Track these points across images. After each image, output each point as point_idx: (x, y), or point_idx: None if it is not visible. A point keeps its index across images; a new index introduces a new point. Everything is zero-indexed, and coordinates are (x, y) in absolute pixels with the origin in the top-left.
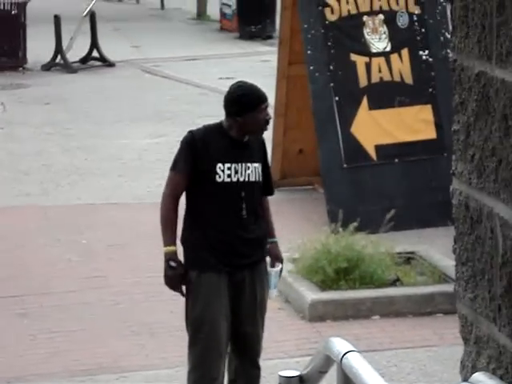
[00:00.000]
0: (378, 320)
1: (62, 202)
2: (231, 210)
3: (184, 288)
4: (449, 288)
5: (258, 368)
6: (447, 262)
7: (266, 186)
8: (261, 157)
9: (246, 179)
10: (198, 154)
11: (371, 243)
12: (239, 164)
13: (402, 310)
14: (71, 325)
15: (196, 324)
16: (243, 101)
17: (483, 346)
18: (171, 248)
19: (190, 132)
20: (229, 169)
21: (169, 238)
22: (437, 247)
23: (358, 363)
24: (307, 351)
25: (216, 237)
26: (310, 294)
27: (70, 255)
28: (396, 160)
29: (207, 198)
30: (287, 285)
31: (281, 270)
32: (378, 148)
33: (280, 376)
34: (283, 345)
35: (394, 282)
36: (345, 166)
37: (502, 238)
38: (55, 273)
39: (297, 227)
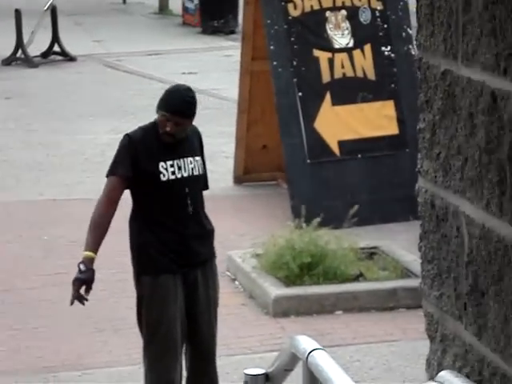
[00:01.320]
0: (341, 315)
1: (23, 198)
2: (177, 208)
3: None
4: (411, 283)
5: (214, 365)
6: (409, 257)
7: (203, 180)
8: (199, 150)
9: (190, 174)
10: (138, 156)
11: (335, 238)
12: (181, 160)
13: (365, 305)
14: (33, 322)
15: (152, 326)
16: (161, 98)
17: (449, 344)
18: (88, 253)
19: (127, 135)
20: (172, 166)
21: (90, 242)
22: (399, 242)
23: (323, 361)
24: (271, 347)
25: (167, 236)
26: (274, 290)
27: (32, 251)
28: (359, 155)
29: (153, 198)
30: (251, 280)
31: None
32: (341, 143)
33: (246, 374)
34: (247, 340)
35: (357, 278)
36: (308, 161)
37: (467, 237)
38: (17, 269)
39: (260, 223)
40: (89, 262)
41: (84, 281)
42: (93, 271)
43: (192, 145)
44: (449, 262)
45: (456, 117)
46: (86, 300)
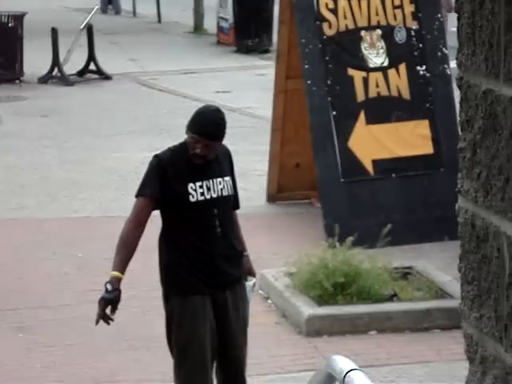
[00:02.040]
0: (374, 335)
1: (58, 215)
2: (205, 228)
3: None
4: (446, 303)
5: (244, 382)
6: (445, 278)
7: (234, 200)
8: (229, 170)
9: (220, 194)
10: (167, 178)
11: (368, 258)
12: (210, 180)
13: (399, 325)
14: (67, 338)
15: (182, 346)
16: (190, 119)
17: (489, 365)
18: (115, 273)
19: (156, 156)
20: (201, 187)
21: (119, 263)
22: (433, 262)
23: (360, 382)
24: (304, 366)
25: (195, 256)
26: (307, 309)
27: (67, 268)
28: (393, 175)
29: (181, 219)
30: (284, 299)
31: (254, 284)
32: (376, 162)
33: None
34: (280, 360)
35: (391, 298)
36: (342, 180)
37: (508, 257)
38: (51, 286)
39: (293, 242)
40: (116, 282)
41: (110, 301)
42: (119, 291)
43: (221, 165)
44: (489, 283)
45: (497, 136)
46: (112, 320)
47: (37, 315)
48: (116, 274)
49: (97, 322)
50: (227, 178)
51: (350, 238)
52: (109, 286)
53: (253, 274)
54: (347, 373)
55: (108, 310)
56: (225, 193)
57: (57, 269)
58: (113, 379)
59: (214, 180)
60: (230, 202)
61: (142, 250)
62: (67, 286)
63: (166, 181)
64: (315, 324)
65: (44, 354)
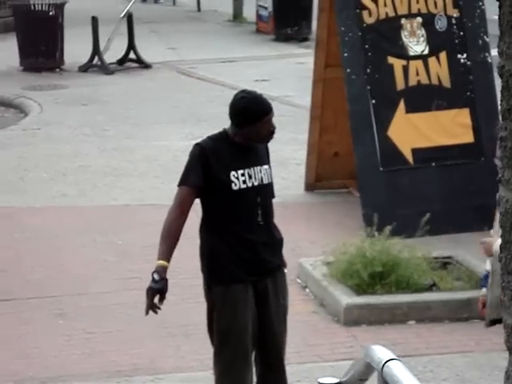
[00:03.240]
0: (413, 325)
1: (98, 203)
2: (248, 216)
3: (210, 300)
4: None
5: (284, 372)
6: (484, 268)
7: None
8: (267, 158)
9: (261, 182)
10: (209, 165)
11: (407, 247)
12: (251, 168)
13: (438, 315)
14: (107, 325)
15: (223, 335)
16: (245, 114)
17: None
18: (162, 262)
19: (197, 144)
20: (243, 175)
21: (164, 251)
22: (473, 252)
23: (399, 372)
24: (342, 355)
25: (237, 245)
26: (345, 298)
27: (106, 256)
28: (433, 164)
29: (224, 207)
30: (322, 288)
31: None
32: (415, 151)
33: (319, 383)
34: (317, 349)
35: (431, 287)
36: (381, 169)
37: None
38: (91, 273)
39: (331, 230)
40: (162, 271)
41: (158, 290)
42: (166, 281)
43: (259, 153)
44: None
45: None
46: (159, 309)
47: (76, 302)
48: (162, 263)
49: (146, 312)
50: (266, 167)
51: (389, 228)
52: (156, 276)
53: (284, 265)
54: (386, 362)
55: (156, 300)
56: (265, 181)
57: (96, 256)
58: (152, 366)
59: (255, 168)
60: (271, 189)
61: (182, 238)
62: (106, 273)
63: (208, 169)
64: (353, 313)
65: (83, 340)
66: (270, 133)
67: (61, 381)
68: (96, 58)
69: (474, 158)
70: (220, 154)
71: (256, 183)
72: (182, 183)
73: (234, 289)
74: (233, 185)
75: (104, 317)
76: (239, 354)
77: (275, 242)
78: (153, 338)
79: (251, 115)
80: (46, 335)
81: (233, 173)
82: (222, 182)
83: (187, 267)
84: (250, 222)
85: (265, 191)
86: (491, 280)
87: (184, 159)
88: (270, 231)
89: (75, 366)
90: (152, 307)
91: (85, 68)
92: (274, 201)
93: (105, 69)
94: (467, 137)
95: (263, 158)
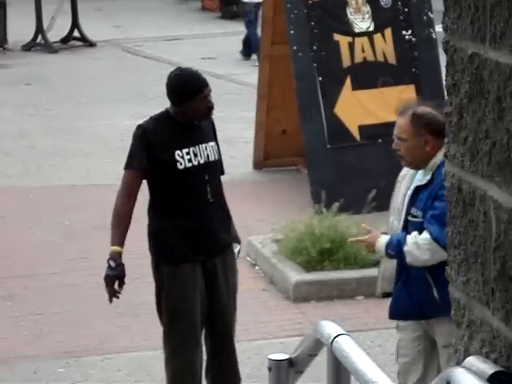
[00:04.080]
0: (362, 300)
1: (44, 183)
2: (197, 195)
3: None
4: None
5: (233, 347)
6: None
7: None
8: (213, 135)
9: (207, 159)
10: (152, 147)
11: (355, 224)
12: (196, 146)
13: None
14: (55, 307)
15: (172, 315)
16: (180, 91)
17: (476, 329)
18: (116, 248)
19: (140, 125)
20: (187, 153)
21: (117, 237)
22: None
23: (348, 346)
24: (292, 332)
25: (186, 224)
26: (294, 275)
27: (54, 237)
28: (379, 140)
29: (171, 187)
30: (271, 266)
31: (239, 251)
32: (362, 128)
33: (269, 359)
34: (267, 325)
35: (378, 263)
36: (328, 146)
37: (495, 221)
38: (38, 255)
39: (280, 208)
40: (118, 257)
41: (116, 277)
42: (123, 266)
43: (205, 131)
44: (476, 247)
45: (484, 100)
46: (120, 294)
47: (24, 284)
48: (116, 248)
49: (110, 300)
50: (212, 143)
51: (337, 204)
52: (112, 263)
53: (237, 241)
54: (335, 338)
55: (116, 285)
56: (211, 158)
57: (43, 237)
58: (101, 347)
59: (200, 146)
60: (218, 166)
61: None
62: (54, 254)
63: (151, 150)
64: (302, 290)
65: (32, 322)
66: (208, 109)
67: (10, 362)
68: (40, 37)
69: None
70: (163, 134)
71: (202, 161)
72: (127, 166)
73: (182, 268)
74: (178, 164)
75: (52, 298)
76: (189, 333)
77: (225, 219)
78: (102, 319)
79: (186, 92)
80: None
81: (177, 152)
82: (166, 162)
83: (135, 247)
84: (199, 200)
85: (212, 168)
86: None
87: (130, 139)
88: (219, 208)
89: (24, 347)
90: (114, 293)
91: (28, 47)
92: (222, 179)
93: (49, 47)
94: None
95: (208, 135)
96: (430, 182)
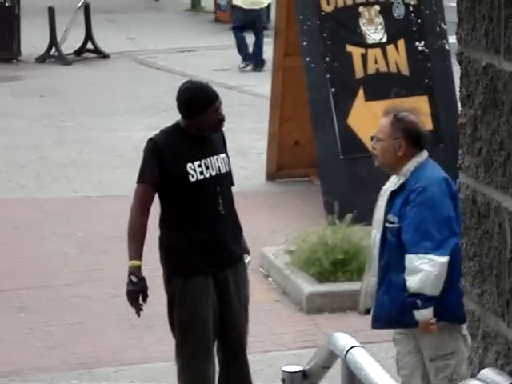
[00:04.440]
0: None
1: (57, 195)
2: (208, 207)
3: (141, 301)
4: None
5: (245, 359)
6: None
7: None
8: (223, 147)
9: (218, 172)
10: (164, 160)
11: (368, 235)
12: (208, 159)
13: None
14: (68, 318)
15: (184, 327)
16: (190, 104)
17: (491, 341)
18: (135, 262)
19: (151, 139)
20: (199, 166)
21: (134, 251)
22: None
23: (362, 358)
24: (305, 343)
25: (198, 236)
26: (307, 286)
27: (67, 248)
28: None
29: (183, 200)
30: (284, 277)
31: (248, 262)
32: None
33: (283, 371)
34: (281, 337)
35: None
36: (341, 157)
37: (510, 233)
38: (52, 266)
39: (293, 219)
40: (138, 272)
41: (139, 291)
42: (144, 279)
43: (215, 143)
44: (491, 259)
45: (498, 111)
46: (142, 308)
47: (37, 295)
48: (135, 262)
49: (138, 314)
50: (223, 155)
51: (350, 215)
52: (133, 278)
53: (247, 252)
54: (349, 350)
55: (140, 300)
56: (223, 170)
57: (57, 249)
58: (114, 358)
59: (211, 158)
60: (229, 178)
61: None
62: (67, 265)
63: (163, 163)
64: (316, 301)
65: (45, 333)
66: (218, 121)
67: (23, 374)
68: (53, 49)
69: (433, 145)
70: (174, 147)
71: (213, 173)
72: (139, 181)
73: (193, 281)
74: (190, 177)
75: (65, 309)
76: (201, 345)
77: (236, 231)
78: (115, 330)
79: (197, 105)
80: (7, 329)
81: (189, 165)
82: (178, 175)
83: (146, 258)
84: (211, 213)
85: (223, 180)
86: (367, 268)
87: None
88: (231, 220)
89: (37, 359)
90: (140, 308)
91: (42, 59)
92: (234, 191)
93: (62, 59)
94: (426, 124)
95: (219, 147)
96: (402, 188)
